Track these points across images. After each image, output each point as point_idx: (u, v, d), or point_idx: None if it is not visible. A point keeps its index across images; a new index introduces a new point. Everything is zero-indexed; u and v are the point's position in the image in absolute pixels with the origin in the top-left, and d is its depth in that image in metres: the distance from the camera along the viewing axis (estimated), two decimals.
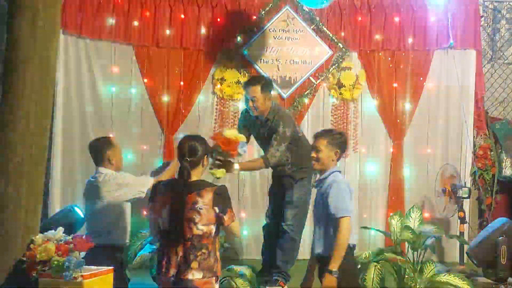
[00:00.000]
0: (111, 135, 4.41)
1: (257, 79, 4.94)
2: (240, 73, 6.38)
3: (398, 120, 6.47)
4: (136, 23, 6.29)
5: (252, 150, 5.71)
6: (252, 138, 5.15)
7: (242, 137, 4.60)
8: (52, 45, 3.75)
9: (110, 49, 6.33)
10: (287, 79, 6.46)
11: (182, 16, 6.35)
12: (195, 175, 3.37)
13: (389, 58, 6.48)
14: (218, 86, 6.38)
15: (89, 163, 6.18)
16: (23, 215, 3.60)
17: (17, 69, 3.60)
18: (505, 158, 6.52)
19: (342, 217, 3.52)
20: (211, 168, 4.44)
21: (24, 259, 3.50)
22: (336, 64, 6.43)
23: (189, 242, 3.27)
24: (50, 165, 5.92)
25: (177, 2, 6.34)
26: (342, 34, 6.45)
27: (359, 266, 3.73)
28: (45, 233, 3.63)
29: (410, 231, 4.81)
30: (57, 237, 3.58)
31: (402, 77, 6.48)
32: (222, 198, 3.31)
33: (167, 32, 6.33)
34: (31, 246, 3.52)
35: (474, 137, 6.54)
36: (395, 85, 6.48)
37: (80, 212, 4.68)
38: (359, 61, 6.51)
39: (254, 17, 6.40)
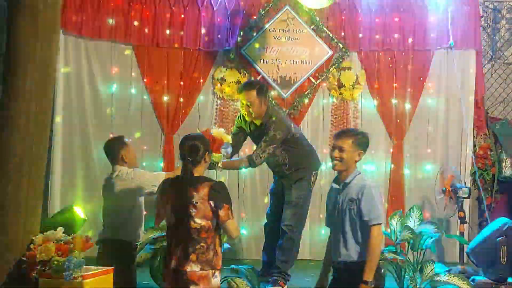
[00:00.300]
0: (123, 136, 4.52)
1: (252, 84, 4.94)
2: (240, 73, 6.38)
3: (398, 120, 6.46)
4: (136, 23, 6.29)
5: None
6: (249, 139, 5.18)
7: (227, 138, 4.60)
8: (52, 45, 3.75)
9: (110, 49, 6.32)
10: (287, 79, 6.46)
11: (182, 16, 6.34)
12: (197, 172, 3.47)
13: (389, 58, 6.48)
14: (218, 86, 6.38)
15: (89, 163, 6.27)
16: (23, 215, 3.60)
17: (17, 69, 3.61)
18: (505, 158, 6.52)
19: (375, 224, 3.44)
20: None
21: (24, 259, 3.50)
22: (336, 64, 6.43)
23: (189, 236, 3.38)
24: (50, 165, 5.91)
25: (177, 2, 6.34)
26: (342, 34, 6.45)
27: (382, 270, 3.61)
28: (45, 233, 3.63)
29: (410, 231, 4.81)
30: (57, 237, 3.59)
31: (402, 77, 6.47)
32: (217, 193, 3.38)
33: (167, 32, 6.33)
34: (31, 246, 3.53)
35: (474, 137, 6.54)
36: (395, 85, 6.47)
37: (80, 212, 4.68)
38: (359, 61, 6.51)
39: (254, 17, 6.40)
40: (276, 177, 5.15)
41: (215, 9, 6.36)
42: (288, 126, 4.90)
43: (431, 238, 4.89)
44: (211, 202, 3.35)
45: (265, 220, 5.28)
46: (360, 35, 6.44)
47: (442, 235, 5.26)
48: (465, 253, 5.64)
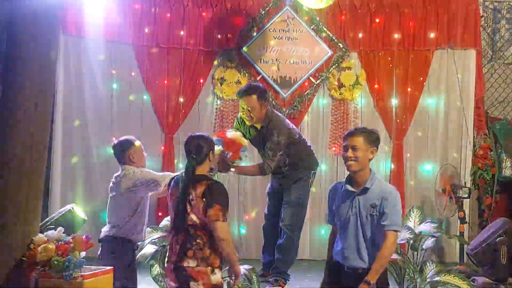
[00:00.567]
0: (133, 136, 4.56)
1: (252, 88, 4.90)
2: (240, 73, 6.39)
3: (398, 120, 6.46)
4: (136, 23, 6.29)
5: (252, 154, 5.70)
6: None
7: (244, 141, 4.65)
8: (52, 45, 3.75)
9: (110, 49, 6.33)
10: (287, 79, 6.46)
11: (182, 16, 6.34)
12: (200, 171, 3.53)
13: (389, 58, 6.48)
14: (218, 86, 6.38)
15: (89, 163, 6.26)
16: (23, 215, 3.60)
17: (17, 69, 3.61)
18: (505, 158, 6.52)
19: (393, 230, 3.39)
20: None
21: (24, 259, 3.50)
22: (336, 64, 6.43)
23: (186, 232, 3.45)
24: (50, 165, 5.92)
25: (177, 2, 6.34)
26: (342, 34, 6.45)
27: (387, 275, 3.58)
28: (45, 233, 3.63)
29: (410, 231, 4.81)
30: (57, 237, 3.59)
31: (402, 77, 6.47)
32: (211, 192, 3.42)
33: (167, 31, 6.33)
34: (31, 246, 3.52)
35: (474, 137, 6.54)
36: (395, 85, 6.47)
37: (80, 212, 4.68)
38: (359, 61, 6.51)
39: (254, 17, 6.40)
40: (274, 177, 5.14)
41: (215, 9, 6.36)
42: (289, 129, 4.91)
43: (431, 238, 4.89)
44: (204, 200, 3.40)
45: (264, 221, 5.28)
46: (360, 35, 6.44)
47: (442, 235, 5.26)
48: (465, 253, 5.64)
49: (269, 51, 6.45)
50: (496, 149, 6.56)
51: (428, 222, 5.16)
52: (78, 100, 6.26)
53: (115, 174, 4.39)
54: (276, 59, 6.45)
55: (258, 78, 6.39)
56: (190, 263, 3.41)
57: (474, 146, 6.52)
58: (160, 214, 6.06)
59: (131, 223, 4.22)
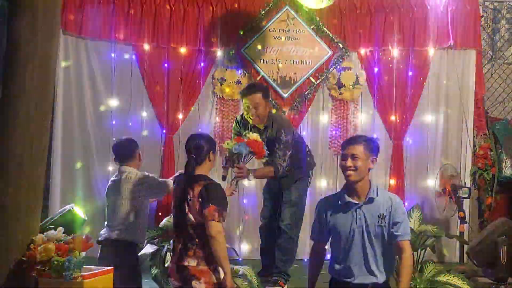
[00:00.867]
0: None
1: (257, 87, 4.94)
2: (240, 73, 6.39)
3: (398, 120, 6.46)
4: (136, 23, 6.29)
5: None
6: None
7: (260, 138, 4.63)
8: (52, 45, 3.75)
9: (110, 49, 6.32)
10: (287, 79, 6.46)
11: (182, 16, 6.34)
12: (200, 170, 3.56)
13: (389, 58, 6.48)
14: (218, 86, 6.38)
15: (89, 163, 6.26)
16: (23, 215, 3.60)
17: (17, 69, 3.60)
18: (505, 158, 6.52)
19: (407, 240, 3.31)
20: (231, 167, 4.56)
21: (24, 259, 3.50)
22: (336, 64, 6.43)
23: (186, 231, 3.49)
24: (50, 165, 5.92)
25: (177, 2, 6.34)
26: (342, 34, 6.45)
27: None
28: (45, 233, 3.63)
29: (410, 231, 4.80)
30: (57, 237, 3.59)
31: (402, 77, 6.47)
32: (207, 192, 3.43)
33: (167, 31, 6.33)
34: (31, 246, 3.52)
35: (474, 137, 6.54)
36: (395, 85, 6.47)
37: (80, 212, 4.68)
38: (359, 61, 6.51)
39: (254, 17, 6.39)
40: (272, 183, 5.11)
41: (215, 9, 6.36)
42: (293, 128, 4.93)
43: (431, 238, 4.89)
44: (200, 200, 3.42)
45: (261, 222, 5.26)
46: (360, 35, 6.44)
47: (442, 235, 5.26)
48: (465, 253, 5.64)
49: (269, 51, 6.45)
50: (496, 149, 6.56)
51: (428, 222, 5.17)
52: (78, 100, 6.26)
53: (114, 177, 4.39)
54: (276, 59, 6.45)
55: (258, 78, 6.38)
56: (190, 262, 3.44)
57: (474, 146, 6.52)
58: (160, 214, 6.05)
59: (134, 225, 4.23)
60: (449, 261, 6.22)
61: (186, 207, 3.46)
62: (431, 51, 6.48)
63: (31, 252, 3.49)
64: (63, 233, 3.65)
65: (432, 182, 6.29)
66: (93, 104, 6.30)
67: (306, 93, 6.43)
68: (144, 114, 6.40)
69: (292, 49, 6.46)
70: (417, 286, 4.51)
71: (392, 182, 6.45)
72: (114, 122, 6.32)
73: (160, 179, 4.57)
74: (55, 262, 3.41)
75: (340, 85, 6.39)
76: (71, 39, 6.21)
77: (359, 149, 3.33)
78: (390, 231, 3.27)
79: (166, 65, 6.37)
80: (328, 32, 6.42)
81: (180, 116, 6.37)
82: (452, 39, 6.43)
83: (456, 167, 6.27)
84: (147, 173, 4.40)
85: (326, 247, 3.59)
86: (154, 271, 4.70)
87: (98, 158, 6.26)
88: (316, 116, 6.50)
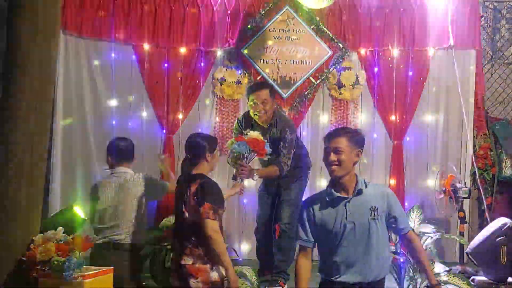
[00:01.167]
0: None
1: (264, 84, 5.07)
2: (240, 73, 6.39)
3: (398, 120, 6.46)
4: (136, 23, 6.29)
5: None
6: None
7: (262, 137, 4.63)
8: (52, 45, 3.75)
9: (110, 49, 6.32)
10: (287, 79, 6.46)
11: (182, 16, 6.34)
12: (199, 170, 3.59)
13: (389, 58, 6.48)
14: (218, 86, 6.38)
15: (89, 163, 6.25)
16: (23, 215, 3.60)
17: (17, 69, 3.61)
18: (505, 158, 6.52)
19: (411, 229, 3.24)
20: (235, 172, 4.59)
21: (24, 259, 3.50)
22: (336, 64, 6.43)
23: (184, 230, 3.54)
24: (50, 165, 5.91)
25: (177, 2, 6.34)
26: (342, 34, 6.45)
27: None
28: (45, 233, 3.63)
29: None
30: (57, 237, 3.59)
31: (402, 77, 6.47)
32: (202, 191, 3.46)
33: (167, 31, 6.33)
34: (31, 246, 3.52)
35: (474, 137, 6.54)
36: (395, 85, 6.47)
37: (80, 212, 4.68)
38: (359, 61, 6.51)
39: (254, 17, 6.39)
40: (268, 179, 5.08)
41: (215, 9, 6.36)
42: (295, 127, 4.98)
43: (431, 238, 4.88)
44: (195, 198, 3.46)
45: (256, 224, 5.24)
46: (360, 35, 6.44)
47: (442, 235, 5.26)
48: (465, 253, 5.63)
49: (269, 51, 6.45)
50: (496, 149, 6.56)
51: (428, 222, 5.17)
52: (78, 100, 6.25)
53: (112, 177, 4.31)
54: (276, 59, 6.45)
55: (258, 78, 6.38)
56: (187, 261, 3.47)
57: (474, 146, 6.52)
58: (160, 214, 6.05)
59: (138, 227, 4.23)
60: (449, 261, 6.22)
61: (183, 206, 3.51)
62: (431, 51, 6.48)
63: (31, 252, 3.49)
64: (63, 233, 3.65)
65: (432, 182, 6.28)
66: (93, 104, 6.30)
67: (306, 93, 6.44)
68: (144, 114, 6.40)
69: (292, 49, 6.46)
70: (417, 286, 4.51)
71: (392, 182, 6.45)
72: (114, 122, 6.31)
73: (159, 180, 4.57)
74: (55, 262, 3.41)
75: (340, 85, 6.39)
76: (71, 39, 6.21)
77: (342, 142, 3.13)
78: (391, 225, 3.18)
79: (166, 65, 6.37)
80: (328, 32, 6.42)
81: (180, 116, 6.36)
82: (452, 39, 6.43)
83: (456, 167, 6.27)
84: (149, 174, 4.41)
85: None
86: (154, 270, 4.70)
87: (98, 158, 6.25)
88: (316, 116, 6.50)
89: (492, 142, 6.56)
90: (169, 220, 4.91)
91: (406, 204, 6.31)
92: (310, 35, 6.46)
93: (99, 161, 6.24)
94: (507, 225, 5.11)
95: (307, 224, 3.22)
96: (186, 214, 3.51)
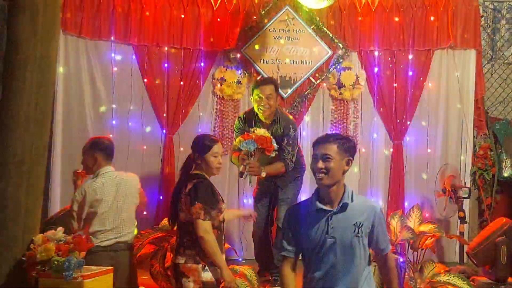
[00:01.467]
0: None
1: (270, 79, 5.16)
2: (240, 73, 6.39)
3: (398, 120, 6.46)
4: (136, 23, 6.29)
5: None
6: None
7: (269, 135, 4.69)
8: (52, 45, 3.75)
9: (110, 49, 6.32)
10: (287, 79, 6.46)
11: (182, 16, 6.34)
12: (197, 169, 3.64)
13: (389, 58, 6.47)
14: (218, 86, 6.38)
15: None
16: (23, 215, 3.60)
17: (17, 69, 3.61)
18: (505, 158, 6.52)
19: (390, 251, 3.02)
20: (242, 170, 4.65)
21: (24, 259, 3.50)
22: (336, 64, 6.43)
23: (179, 229, 3.59)
24: (50, 165, 5.91)
25: (177, 2, 6.34)
26: (342, 34, 6.44)
27: None
28: (45, 233, 3.63)
29: (410, 231, 4.81)
30: (57, 237, 3.59)
31: (402, 77, 6.47)
32: (195, 191, 3.49)
33: (167, 32, 6.33)
34: (31, 246, 3.52)
35: (474, 137, 6.54)
36: (395, 85, 6.47)
37: None
38: (359, 61, 6.51)
39: (254, 17, 6.39)
40: (269, 177, 5.04)
41: (215, 9, 6.36)
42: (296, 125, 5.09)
43: (431, 238, 4.89)
44: (188, 198, 3.48)
45: (252, 227, 5.24)
46: (360, 35, 6.44)
47: (442, 235, 5.27)
48: (465, 253, 5.64)
49: (269, 51, 6.45)
50: (496, 149, 6.56)
51: (428, 222, 5.17)
52: (78, 100, 6.25)
53: (107, 177, 4.09)
54: (276, 59, 6.45)
55: (258, 78, 6.38)
56: (180, 260, 3.51)
57: (474, 146, 6.52)
58: (160, 214, 6.06)
59: (132, 228, 4.20)
60: (449, 261, 6.22)
61: (179, 206, 3.55)
62: (431, 51, 6.48)
63: (31, 252, 3.49)
64: (63, 233, 3.65)
65: (432, 182, 6.28)
66: (93, 104, 6.29)
67: (306, 93, 6.43)
68: (144, 114, 6.39)
69: (292, 49, 6.46)
70: (417, 286, 4.52)
71: (392, 182, 6.44)
72: (114, 122, 6.31)
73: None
74: (55, 262, 3.41)
75: (340, 85, 6.39)
76: (71, 39, 6.20)
77: (332, 149, 2.90)
78: (372, 244, 2.94)
79: (166, 65, 6.37)
80: (328, 32, 6.42)
81: (180, 116, 6.36)
82: (452, 39, 6.42)
83: (456, 167, 6.26)
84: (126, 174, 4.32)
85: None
86: (154, 270, 4.70)
87: None
88: (316, 116, 6.50)
89: (492, 142, 6.57)
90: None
91: (406, 204, 6.31)
92: (310, 35, 6.46)
93: None
94: (507, 225, 5.11)
95: (289, 234, 3.00)
96: (181, 214, 3.54)
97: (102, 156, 4.13)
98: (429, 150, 6.52)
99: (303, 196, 5.29)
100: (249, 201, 6.37)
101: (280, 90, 6.37)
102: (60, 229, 3.68)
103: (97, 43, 6.28)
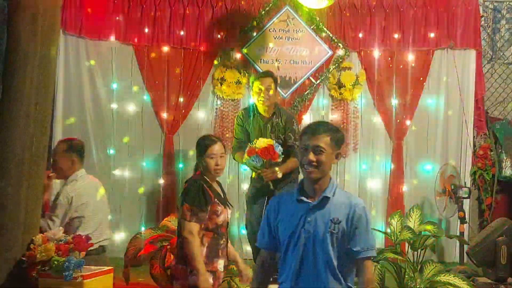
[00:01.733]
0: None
1: (269, 72, 5.30)
2: (240, 73, 6.38)
3: (398, 120, 6.46)
4: (136, 23, 6.29)
5: None
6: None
7: (271, 140, 4.79)
8: (52, 45, 3.75)
9: (110, 49, 6.33)
10: (287, 79, 6.46)
11: (182, 16, 6.34)
12: (198, 171, 3.65)
13: (389, 58, 6.47)
14: (218, 86, 6.38)
15: (89, 163, 6.23)
16: (23, 215, 3.60)
17: (17, 69, 3.61)
18: (505, 158, 6.51)
19: (370, 257, 2.68)
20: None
21: (24, 259, 3.50)
22: (336, 64, 6.43)
23: (178, 231, 3.60)
24: (50, 165, 5.91)
25: (177, 2, 6.34)
26: (342, 34, 6.44)
27: None
28: (45, 233, 3.63)
29: (410, 231, 4.81)
30: (57, 237, 3.59)
31: (402, 77, 6.47)
32: (184, 192, 3.51)
33: (167, 31, 6.33)
34: (31, 246, 3.52)
35: (474, 137, 6.54)
36: (395, 85, 6.47)
37: None
38: (359, 61, 6.51)
39: (254, 17, 6.39)
40: (260, 180, 5.03)
41: (215, 9, 6.36)
42: None
43: (431, 238, 4.89)
44: (180, 199, 3.53)
45: (246, 230, 5.27)
46: (360, 35, 6.44)
47: (442, 235, 5.27)
48: (465, 253, 5.64)
49: (269, 51, 6.45)
50: (496, 149, 6.56)
51: (428, 222, 5.17)
52: (78, 100, 6.26)
53: (89, 179, 4.18)
54: (276, 59, 6.45)
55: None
56: (173, 261, 3.60)
57: (474, 146, 6.52)
58: (160, 214, 6.06)
59: (109, 231, 4.31)
60: (449, 261, 6.22)
61: (177, 208, 3.67)
62: (431, 51, 6.48)
63: (31, 252, 3.49)
64: (63, 233, 3.66)
65: (432, 182, 6.28)
66: (93, 104, 6.30)
67: (306, 93, 6.44)
68: (144, 114, 6.39)
69: (292, 49, 6.46)
70: (417, 286, 4.51)
71: (392, 182, 6.44)
72: (114, 122, 6.31)
73: None
74: (55, 262, 3.41)
75: (340, 85, 6.39)
76: (71, 39, 6.21)
77: (325, 141, 2.67)
78: (346, 244, 2.66)
79: (166, 65, 6.36)
80: (328, 32, 6.42)
81: (180, 116, 6.36)
82: (452, 39, 6.42)
83: (456, 167, 6.27)
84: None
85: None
86: (155, 270, 4.69)
87: (98, 158, 6.26)
88: (316, 116, 6.49)
89: (492, 142, 6.57)
90: (169, 220, 4.92)
91: (406, 204, 6.30)
92: (310, 35, 6.46)
93: (99, 161, 6.25)
94: (507, 225, 5.12)
95: (266, 226, 2.83)
96: (179, 215, 3.59)
97: (78, 158, 4.18)
98: (429, 150, 6.52)
99: None
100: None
101: (280, 90, 6.40)
102: (60, 229, 3.68)
103: (97, 43, 6.28)
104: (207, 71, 6.42)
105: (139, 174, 6.34)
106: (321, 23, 6.41)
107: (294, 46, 6.46)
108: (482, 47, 6.63)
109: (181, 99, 6.36)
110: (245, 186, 6.29)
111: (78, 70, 6.26)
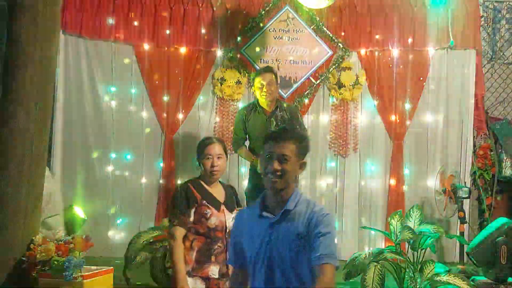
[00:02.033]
0: None
1: (270, 68, 5.45)
2: (240, 73, 6.38)
3: (398, 120, 6.46)
4: (136, 23, 6.29)
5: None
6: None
7: None
8: (52, 45, 3.76)
9: (110, 49, 6.33)
10: (287, 79, 6.46)
11: (182, 16, 6.34)
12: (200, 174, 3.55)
13: (389, 58, 6.47)
14: (218, 86, 6.38)
15: (89, 163, 6.26)
16: (23, 215, 3.61)
17: (17, 69, 3.61)
18: (505, 158, 6.51)
19: (328, 263, 2.38)
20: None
21: (24, 259, 3.51)
22: (336, 64, 6.43)
23: None
24: (50, 165, 5.92)
25: (177, 2, 6.34)
26: (342, 34, 6.44)
27: None
28: (45, 233, 3.64)
29: (410, 231, 4.80)
30: (57, 237, 3.59)
31: (402, 77, 6.46)
32: (175, 194, 3.42)
33: (167, 32, 6.33)
34: (31, 246, 3.53)
35: (474, 137, 6.54)
36: (395, 85, 6.46)
37: (80, 212, 4.68)
38: (359, 61, 6.50)
39: (254, 17, 6.39)
40: (257, 179, 5.00)
41: (215, 9, 6.36)
42: None
43: (431, 238, 4.88)
44: None
45: None
46: (360, 35, 6.44)
47: (442, 235, 5.26)
48: (465, 253, 5.63)
49: (269, 51, 6.45)
50: (496, 149, 6.56)
51: (428, 222, 5.16)
52: (78, 100, 6.26)
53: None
54: (276, 59, 6.45)
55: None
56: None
57: (474, 146, 6.52)
58: (160, 214, 6.06)
59: None
60: (449, 261, 6.22)
61: None
62: (431, 51, 6.48)
63: (31, 252, 3.50)
64: (63, 233, 3.66)
65: (432, 182, 6.28)
66: (93, 104, 6.30)
67: (306, 93, 6.43)
68: (144, 114, 6.39)
69: (292, 49, 6.46)
70: (417, 286, 4.51)
71: (392, 182, 6.44)
72: (114, 122, 6.31)
73: None
74: (55, 262, 3.42)
75: (340, 85, 6.38)
76: (71, 39, 6.21)
77: (291, 150, 2.48)
78: (304, 256, 2.43)
79: (166, 65, 6.36)
80: (328, 32, 6.41)
81: (180, 116, 6.36)
82: (452, 39, 6.42)
83: (456, 167, 6.26)
84: None
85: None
86: (155, 270, 4.70)
87: (98, 158, 6.26)
88: (316, 116, 6.49)
89: (492, 142, 6.56)
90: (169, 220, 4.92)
91: (406, 204, 6.30)
92: (310, 35, 6.46)
93: (99, 161, 6.25)
94: (507, 225, 5.11)
95: (232, 246, 2.65)
96: None
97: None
98: (429, 150, 6.51)
99: None
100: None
101: (280, 90, 6.40)
102: (60, 229, 3.69)
103: (97, 43, 6.29)
104: (207, 71, 6.42)
105: (139, 174, 6.34)
106: (321, 23, 6.41)
107: (294, 46, 6.46)
108: (482, 47, 6.62)
109: (181, 99, 6.36)
110: (245, 186, 6.30)
111: (78, 70, 6.26)
